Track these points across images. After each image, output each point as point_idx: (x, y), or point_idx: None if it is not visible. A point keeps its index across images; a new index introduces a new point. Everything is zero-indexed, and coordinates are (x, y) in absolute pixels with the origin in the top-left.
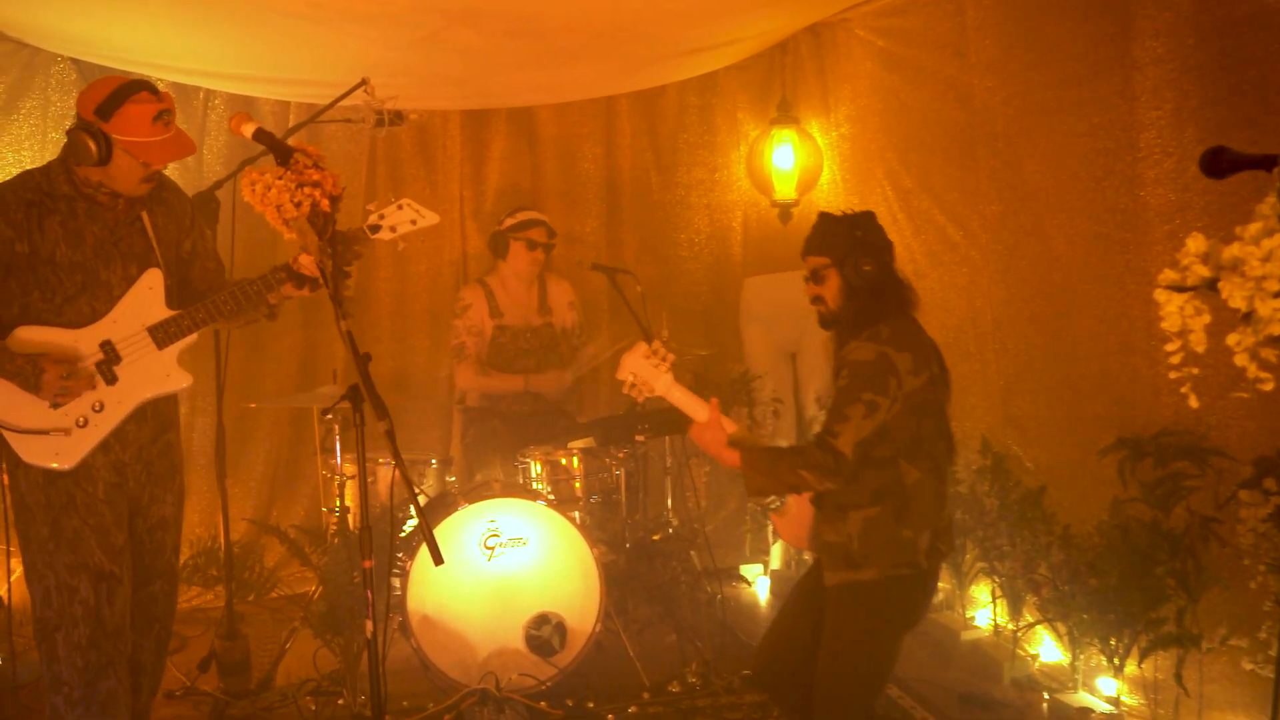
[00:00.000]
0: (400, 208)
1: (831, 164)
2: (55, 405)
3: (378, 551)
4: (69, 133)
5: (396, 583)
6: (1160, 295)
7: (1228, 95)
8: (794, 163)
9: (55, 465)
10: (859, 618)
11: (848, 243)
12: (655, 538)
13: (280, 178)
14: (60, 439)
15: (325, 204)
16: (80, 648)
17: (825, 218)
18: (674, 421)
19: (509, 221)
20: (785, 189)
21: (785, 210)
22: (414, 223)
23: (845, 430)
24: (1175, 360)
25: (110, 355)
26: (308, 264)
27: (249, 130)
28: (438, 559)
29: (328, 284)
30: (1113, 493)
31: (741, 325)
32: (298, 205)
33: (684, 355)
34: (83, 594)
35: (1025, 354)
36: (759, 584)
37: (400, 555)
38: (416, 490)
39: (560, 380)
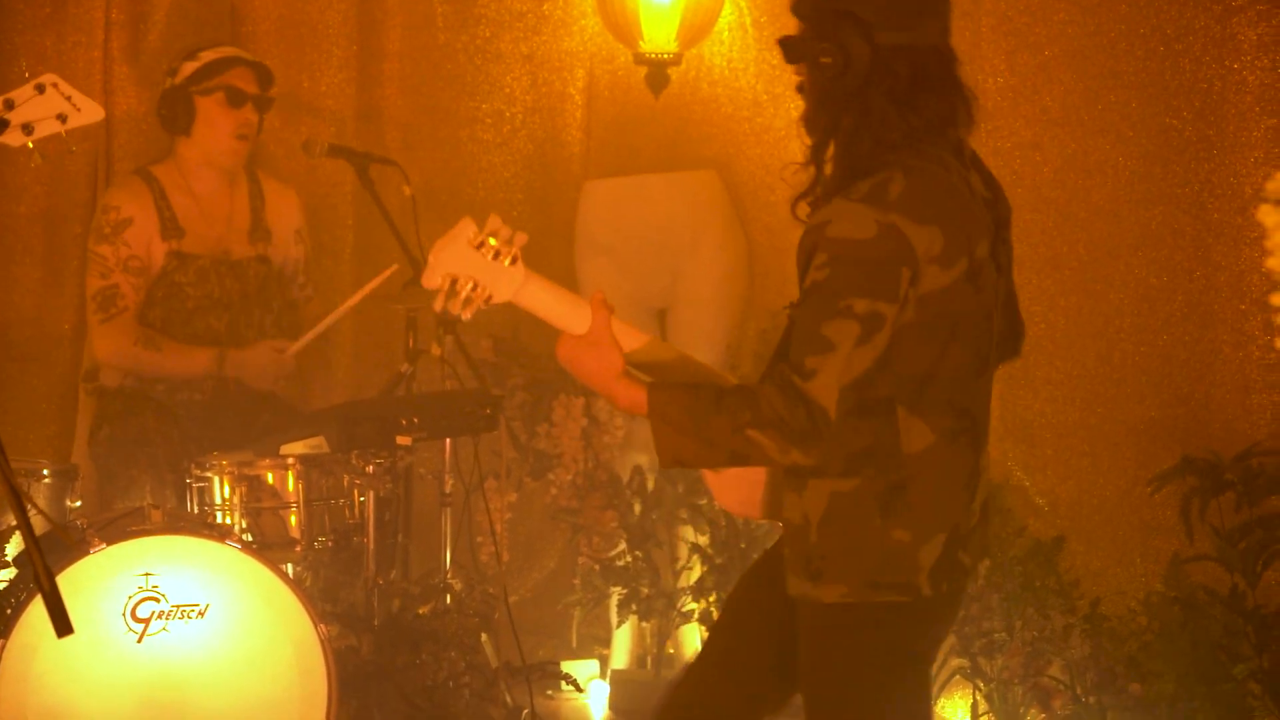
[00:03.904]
0: (40, 90)
1: None
2: None
3: None
4: None
5: None
6: (1266, 215)
7: None
8: None
9: None
10: (836, 664)
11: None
12: (423, 611)
13: None
14: None
15: None
16: None
17: None
18: (463, 414)
19: (190, 68)
20: (659, 35)
21: (658, 70)
22: (63, 118)
23: (825, 366)
24: None
25: None
26: None
27: None
28: (63, 627)
29: None
30: (1171, 547)
31: (578, 260)
32: None
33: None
34: None
35: (1041, 321)
36: (592, 691)
37: None
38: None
39: (278, 359)
